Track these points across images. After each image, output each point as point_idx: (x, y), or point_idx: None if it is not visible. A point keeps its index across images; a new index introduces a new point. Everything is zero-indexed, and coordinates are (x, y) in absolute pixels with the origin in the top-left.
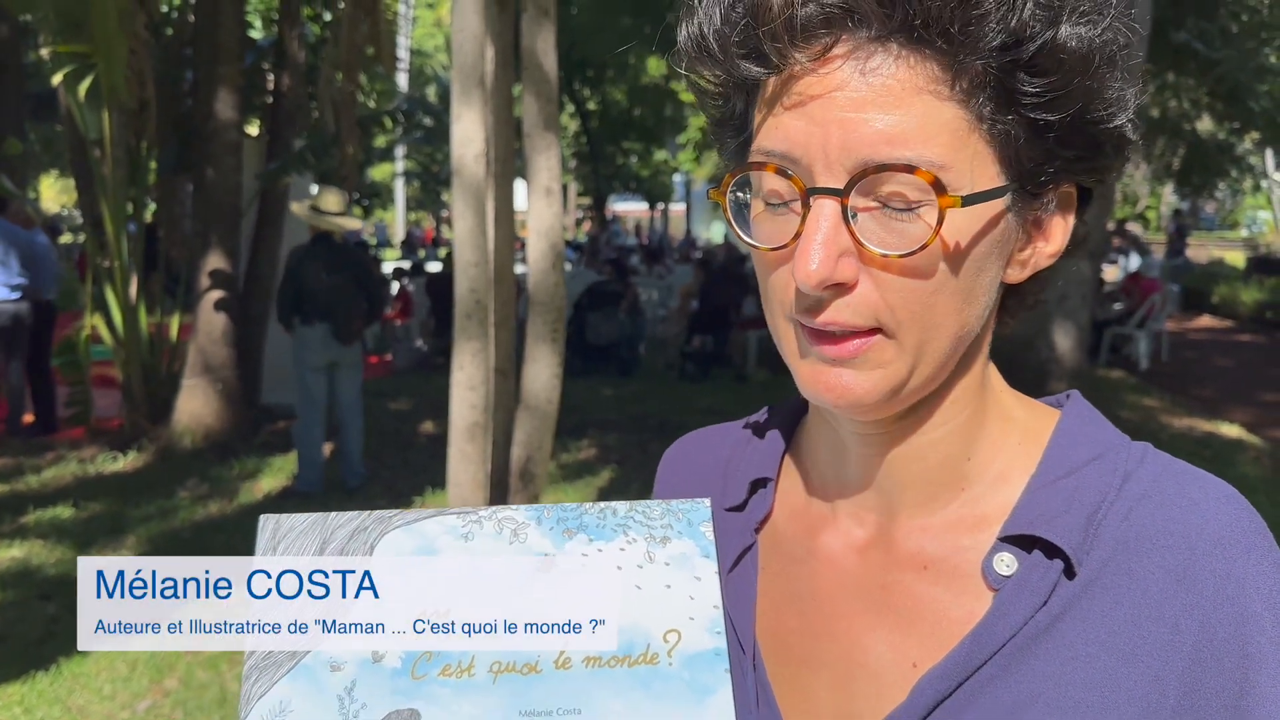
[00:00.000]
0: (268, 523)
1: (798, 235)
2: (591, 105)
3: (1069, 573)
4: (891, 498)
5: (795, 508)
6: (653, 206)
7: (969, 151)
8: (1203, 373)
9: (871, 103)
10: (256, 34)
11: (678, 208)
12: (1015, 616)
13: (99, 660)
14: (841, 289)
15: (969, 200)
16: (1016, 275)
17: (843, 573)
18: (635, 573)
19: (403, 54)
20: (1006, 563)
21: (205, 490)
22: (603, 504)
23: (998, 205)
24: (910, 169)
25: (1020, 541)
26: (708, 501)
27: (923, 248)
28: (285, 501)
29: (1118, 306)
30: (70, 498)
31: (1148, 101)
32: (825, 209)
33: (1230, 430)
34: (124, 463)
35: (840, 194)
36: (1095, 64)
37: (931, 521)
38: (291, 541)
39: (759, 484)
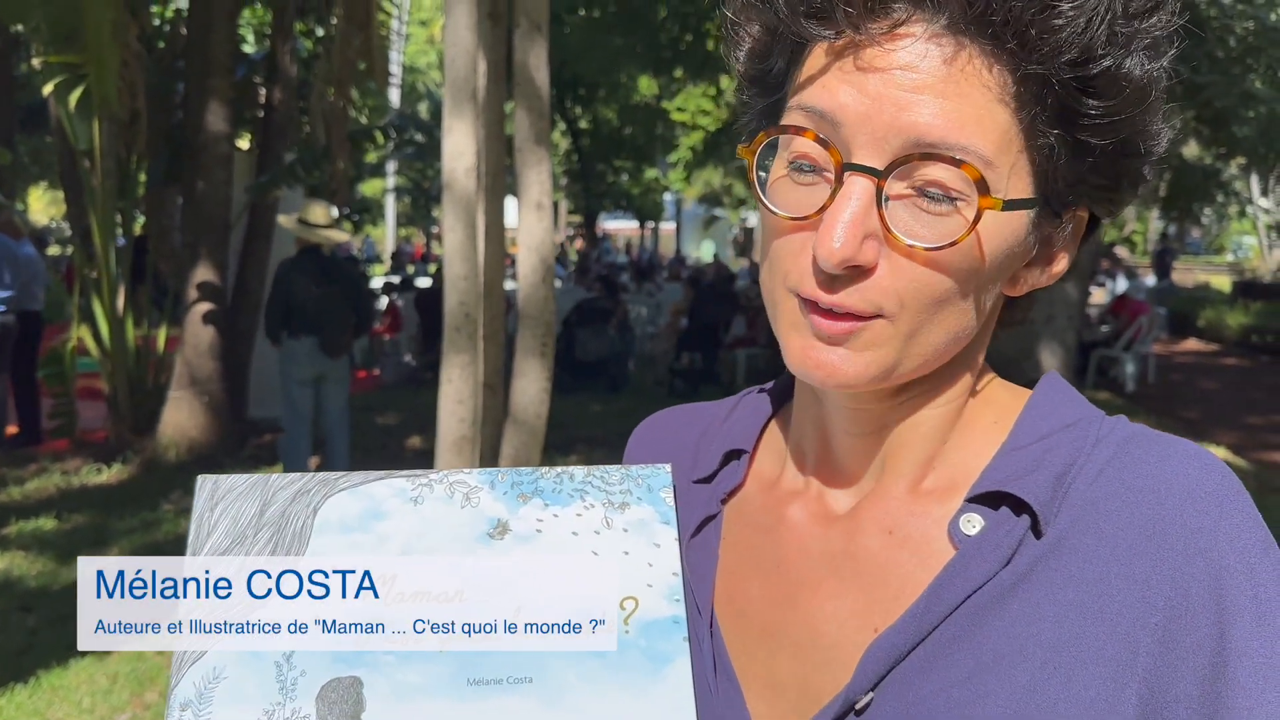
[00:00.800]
0: (205, 483)
1: (824, 209)
2: (583, 124)
3: (1036, 532)
4: (869, 475)
5: (768, 481)
6: (643, 225)
7: (1010, 158)
8: (1189, 395)
9: (930, 88)
10: (249, 48)
11: (668, 226)
12: (975, 572)
13: (79, 673)
14: (859, 271)
15: (1009, 205)
16: (1016, 290)
17: (808, 542)
18: (592, 539)
19: (395, 69)
20: (973, 523)
21: (189, 503)
22: (559, 468)
23: (1025, 217)
24: (958, 162)
25: (988, 500)
26: (668, 467)
27: (953, 244)
28: None
29: (1105, 329)
30: (53, 509)
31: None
32: (857, 187)
33: (1216, 452)
34: (108, 475)
35: (879, 175)
36: (1150, 97)
37: (900, 491)
38: (231, 503)
39: (733, 455)
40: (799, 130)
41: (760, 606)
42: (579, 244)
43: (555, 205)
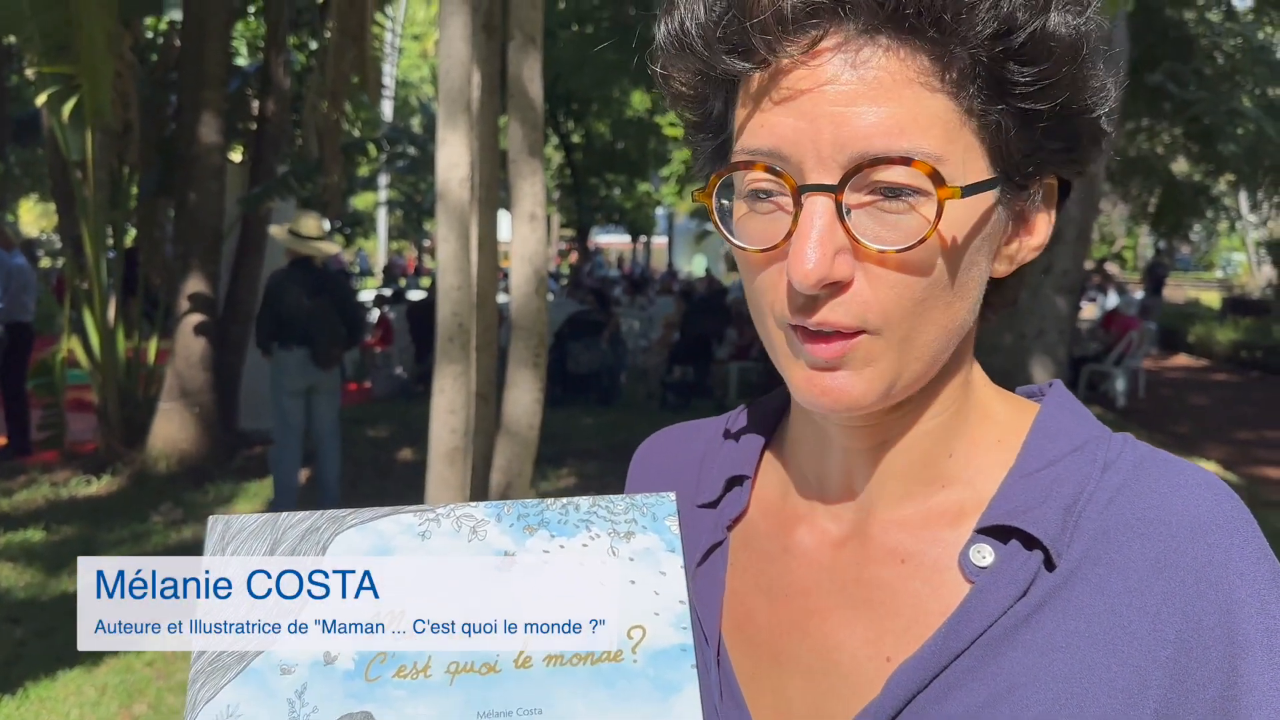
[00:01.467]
0: (216, 524)
1: (789, 235)
2: (576, 138)
3: (1049, 565)
4: (871, 493)
5: (771, 505)
6: (635, 239)
7: (961, 144)
8: (1179, 410)
9: (863, 96)
10: (242, 60)
11: (660, 240)
12: (992, 606)
13: (67, 684)
14: (837, 288)
15: (967, 191)
16: (1003, 269)
17: (817, 568)
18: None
19: (388, 83)
20: (984, 554)
21: (179, 515)
22: (565, 499)
23: (989, 198)
24: (907, 161)
25: (997, 533)
26: (672, 495)
27: (920, 241)
28: None
29: (1094, 344)
30: (42, 521)
31: (1123, 142)
32: (818, 206)
33: (1207, 467)
34: (97, 486)
35: (834, 190)
36: (1082, 52)
37: (909, 515)
38: (241, 543)
39: (735, 481)
40: (747, 165)
41: (769, 634)
42: (572, 257)
43: (548, 219)
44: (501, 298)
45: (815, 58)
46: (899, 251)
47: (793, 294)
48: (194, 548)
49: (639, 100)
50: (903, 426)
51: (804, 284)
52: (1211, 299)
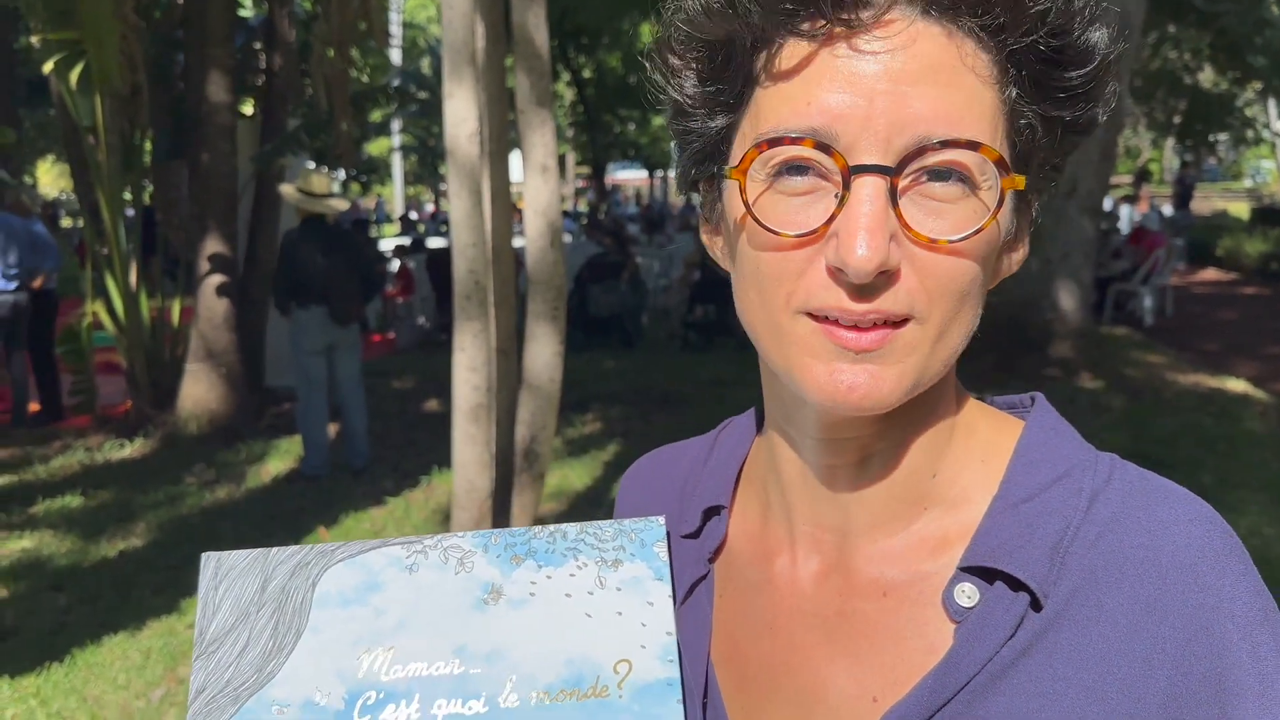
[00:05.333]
0: (209, 562)
1: (831, 219)
2: (587, 73)
3: (1035, 605)
4: (850, 514)
5: (751, 532)
6: (652, 174)
7: (1000, 140)
8: (1208, 327)
9: (922, 78)
10: (247, 14)
11: None
12: (981, 651)
13: (113, 649)
14: (887, 276)
15: (1029, 183)
16: (990, 284)
17: (801, 601)
18: (585, 600)
19: (394, 28)
20: (968, 594)
21: (212, 475)
22: (552, 527)
23: (1012, 201)
24: (974, 146)
25: (982, 573)
26: (661, 520)
27: (977, 231)
28: (292, 485)
29: (1121, 262)
30: (78, 486)
31: (1148, 53)
32: (870, 188)
33: (1236, 385)
34: (131, 449)
35: (891, 173)
36: (1112, 64)
37: (891, 544)
38: (233, 581)
39: (712, 511)
40: (796, 140)
41: (758, 668)
42: (590, 196)
43: (562, 158)
44: (518, 241)
45: (882, 28)
46: (953, 241)
47: (837, 282)
48: (229, 508)
49: (650, 32)
50: (888, 441)
51: (861, 270)
52: (1240, 210)
